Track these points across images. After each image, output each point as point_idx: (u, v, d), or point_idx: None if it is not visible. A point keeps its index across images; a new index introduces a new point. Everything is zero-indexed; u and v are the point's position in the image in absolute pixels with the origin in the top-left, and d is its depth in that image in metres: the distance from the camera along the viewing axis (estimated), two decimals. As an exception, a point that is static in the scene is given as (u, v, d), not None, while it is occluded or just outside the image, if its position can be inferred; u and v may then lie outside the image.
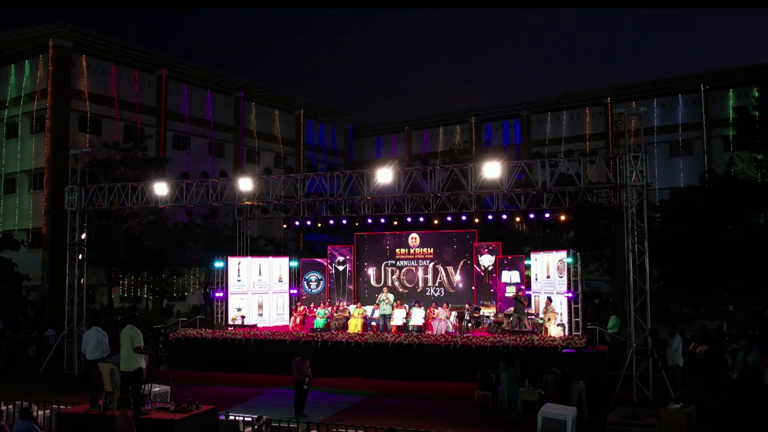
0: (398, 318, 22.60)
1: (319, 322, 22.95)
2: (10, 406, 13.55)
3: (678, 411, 12.38)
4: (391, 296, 22.64)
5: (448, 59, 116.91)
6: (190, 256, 34.03)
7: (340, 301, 24.78)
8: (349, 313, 23.27)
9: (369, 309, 23.99)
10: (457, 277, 25.46)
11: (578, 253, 21.25)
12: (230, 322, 23.04)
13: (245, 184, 18.52)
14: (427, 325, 22.43)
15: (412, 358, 19.78)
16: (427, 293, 25.59)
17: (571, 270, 21.55)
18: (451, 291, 25.41)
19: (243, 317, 23.02)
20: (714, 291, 25.51)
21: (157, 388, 12.86)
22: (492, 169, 16.62)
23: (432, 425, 13.15)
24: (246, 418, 11.52)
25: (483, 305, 24.21)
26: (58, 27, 35.53)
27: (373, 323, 22.75)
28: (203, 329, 22.56)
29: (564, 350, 17.36)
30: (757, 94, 41.80)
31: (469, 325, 22.39)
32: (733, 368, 14.80)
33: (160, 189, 19.33)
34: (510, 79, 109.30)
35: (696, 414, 12.74)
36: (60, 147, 35.50)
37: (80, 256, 20.42)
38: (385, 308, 21.91)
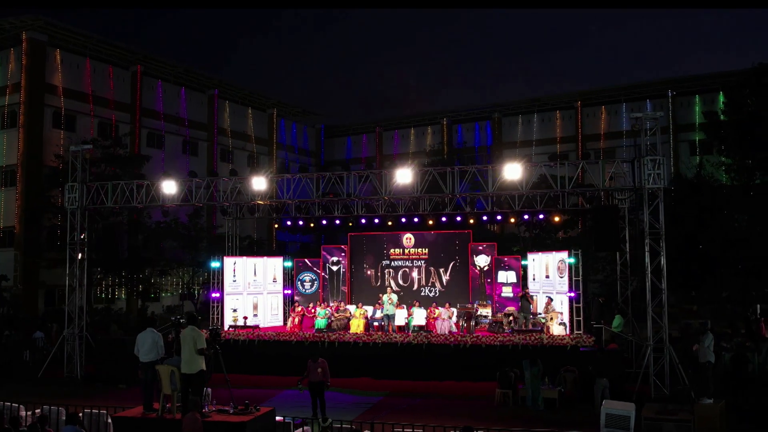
0: (400, 318, 22.68)
1: (320, 322, 22.84)
2: (38, 411, 13.18)
3: (712, 406, 12.79)
4: (394, 296, 22.70)
5: (419, 60, 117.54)
6: (172, 256, 33.41)
7: (340, 301, 24.66)
8: (350, 313, 23.24)
9: (369, 309, 23.99)
10: (451, 277, 25.63)
11: (579, 253, 21.70)
12: (231, 323, 22.72)
13: (259, 183, 18.28)
14: (428, 324, 22.59)
15: (421, 358, 19.90)
16: (422, 293, 25.66)
17: (572, 270, 22.01)
18: (445, 291, 25.52)
19: (246, 318, 22.75)
20: (707, 292, 26.34)
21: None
22: (513, 171, 16.83)
23: (470, 423, 13.17)
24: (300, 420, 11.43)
25: (480, 305, 24.45)
26: (32, 19, 34.41)
27: (375, 323, 22.75)
28: (205, 331, 22.13)
29: (582, 348, 17.72)
30: (723, 99, 43.57)
31: (473, 324, 22.56)
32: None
33: (169, 188, 18.92)
34: (480, 81, 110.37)
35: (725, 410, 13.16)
36: (33, 143, 34.41)
37: (80, 256, 19.84)
38: (388, 308, 21.93)
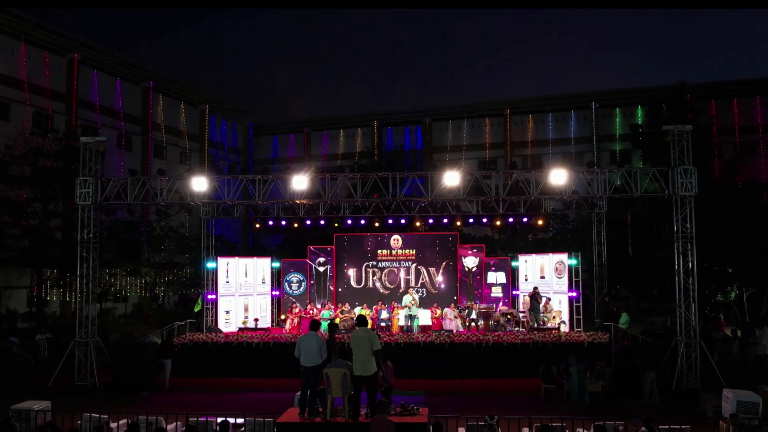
0: (424, 317, 23.06)
1: (325, 324, 22.58)
2: (123, 421, 12.40)
3: (776, 392, 14.04)
4: (416, 296, 22.87)
5: (353, 61, 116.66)
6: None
7: (344, 302, 24.50)
8: (355, 314, 23.16)
9: (357, 310, 24.00)
10: (439, 278, 26.07)
11: (579, 255, 22.93)
12: (241, 325, 22.06)
13: (299, 182, 17.87)
14: (434, 324, 22.99)
15: (442, 357, 20.17)
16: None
17: (572, 271, 23.17)
18: (433, 292, 25.91)
19: (257, 320, 22.14)
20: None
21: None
22: (558, 176, 17.58)
23: (534, 416, 13.46)
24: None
25: (471, 305, 25.07)
26: (-35, -3, 31.54)
27: (382, 323, 22.84)
28: (213, 333, 21.38)
29: (617, 345, 18.74)
30: (641, 112, 47.04)
31: (473, 324, 23.14)
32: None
33: (198, 184, 18.07)
34: (410, 86, 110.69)
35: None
36: (-34, 133, 31.48)
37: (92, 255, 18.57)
38: (412, 309, 22.11)
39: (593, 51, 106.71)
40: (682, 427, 10.59)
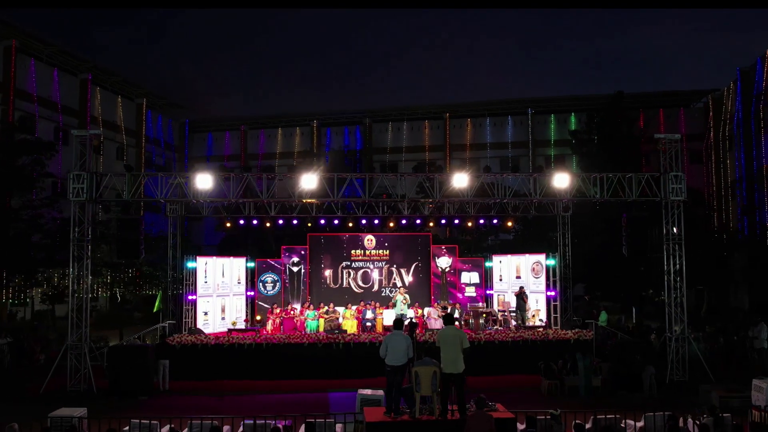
0: (388, 318, 23.10)
1: (311, 324, 22.51)
2: (172, 425, 11.98)
3: (772, 384, 15.18)
4: (407, 296, 23.00)
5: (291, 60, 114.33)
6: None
7: (329, 302, 24.31)
8: (340, 314, 23.15)
9: (341, 309, 23.99)
10: (412, 278, 26.40)
11: (558, 255, 23.85)
12: (231, 326, 21.54)
13: (309, 181, 17.70)
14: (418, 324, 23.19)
15: (438, 356, 20.44)
16: (383, 294, 26.10)
17: (550, 271, 24.04)
18: (407, 291, 26.04)
19: (247, 321, 21.66)
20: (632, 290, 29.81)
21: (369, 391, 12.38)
22: (561, 180, 18.27)
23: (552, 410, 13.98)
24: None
25: (446, 305, 25.52)
26: None
27: (368, 323, 22.91)
28: (202, 335, 20.78)
29: (609, 342, 19.62)
30: (574, 119, 49.14)
31: (456, 323, 23.56)
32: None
33: (203, 182, 17.55)
34: (351, 87, 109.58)
35: None
36: None
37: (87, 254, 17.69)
38: (403, 308, 22.26)
39: (527, 56, 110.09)
40: (733, 415, 11.37)
